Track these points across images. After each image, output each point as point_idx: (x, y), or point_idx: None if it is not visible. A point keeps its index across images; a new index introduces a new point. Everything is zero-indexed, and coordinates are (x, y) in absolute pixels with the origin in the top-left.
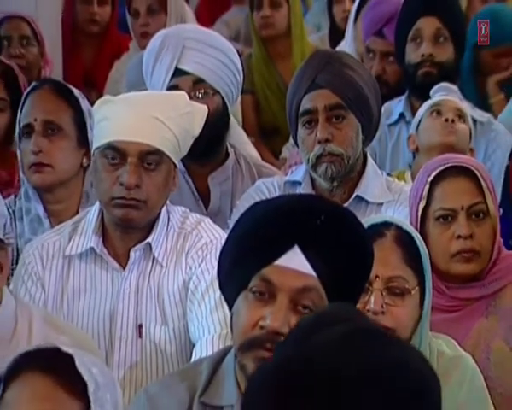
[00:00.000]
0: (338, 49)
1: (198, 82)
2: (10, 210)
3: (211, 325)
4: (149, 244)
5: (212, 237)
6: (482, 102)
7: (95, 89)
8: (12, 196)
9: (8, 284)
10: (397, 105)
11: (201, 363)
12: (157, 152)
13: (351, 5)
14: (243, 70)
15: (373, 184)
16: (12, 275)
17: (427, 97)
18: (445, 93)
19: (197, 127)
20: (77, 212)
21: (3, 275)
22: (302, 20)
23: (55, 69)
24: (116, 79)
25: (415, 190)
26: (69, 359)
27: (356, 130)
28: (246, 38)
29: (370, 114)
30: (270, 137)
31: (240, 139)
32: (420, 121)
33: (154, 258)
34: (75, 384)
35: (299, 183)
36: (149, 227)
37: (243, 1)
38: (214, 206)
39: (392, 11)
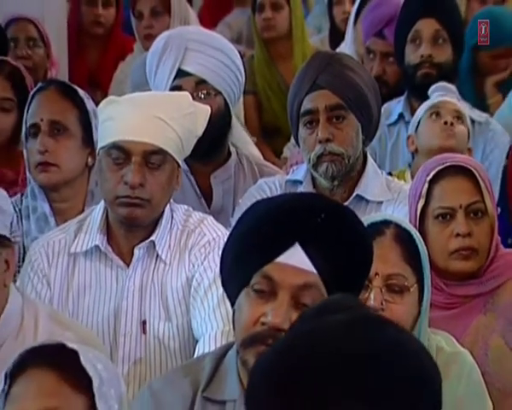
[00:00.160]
0: (338, 50)
1: (200, 83)
2: (17, 209)
3: (213, 322)
4: (153, 242)
5: (214, 234)
6: (480, 103)
7: (100, 89)
8: (18, 195)
9: (14, 281)
10: (396, 105)
11: (204, 359)
12: (161, 152)
13: (351, 7)
14: (245, 71)
15: (373, 183)
16: (18, 272)
17: (427, 98)
18: (443, 92)
19: (200, 127)
20: (82, 210)
21: (10, 272)
22: (303, 22)
23: (60, 70)
24: (120, 80)
25: (414, 189)
26: (74, 354)
27: (356, 130)
28: (248, 39)
29: (370, 114)
30: (272, 137)
31: (242, 139)
32: (419, 122)
33: (157, 256)
34: (80, 380)
35: (301, 182)
36: (153, 225)
37: (245, 3)
38: (217, 204)
39: (391, 13)
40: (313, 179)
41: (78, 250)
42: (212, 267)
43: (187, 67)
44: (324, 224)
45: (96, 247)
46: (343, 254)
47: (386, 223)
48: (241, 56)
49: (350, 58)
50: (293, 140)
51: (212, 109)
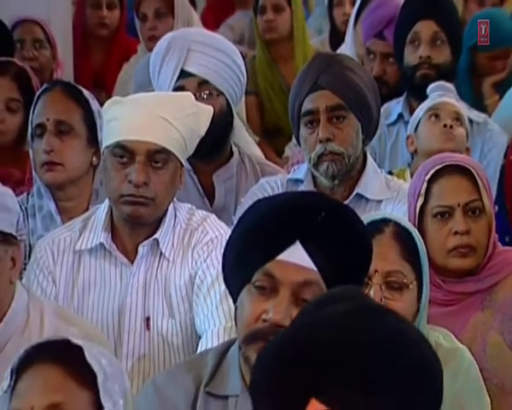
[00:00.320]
0: (338, 51)
1: (203, 83)
2: (23, 207)
3: (216, 318)
4: (157, 240)
5: (217, 232)
6: (478, 103)
7: (104, 90)
8: (25, 194)
9: (20, 278)
10: (396, 106)
11: (207, 354)
12: (164, 151)
13: (351, 9)
14: (247, 72)
15: (372, 182)
16: (24, 269)
17: (425, 98)
18: (441, 92)
19: (203, 127)
20: (87, 209)
21: (16, 269)
22: (304, 24)
23: (66, 71)
24: (125, 81)
25: (413, 187)
26: (79, 350)
27: (356, 130)
28: (250, 41)
29: (370, 114)
30: (274, 137)
31: (244, 139)
32: (418, 123)
33: (161, 253)
34: (85, 375)
35: (302, 181)
36: (157, 224)
37: (247, 5)
38: (219, 203)
39: (391, 14)
40: (314, 178)
41: (83, 248)
42: (214, 265)
43: (190, 68)
44: (325, 222)
45: (101, 244)
46: (343, 252)
47: (385, 221)
48: (243, 57)
49: (350, 59)
50: (294, 140)
51: (214, 109)
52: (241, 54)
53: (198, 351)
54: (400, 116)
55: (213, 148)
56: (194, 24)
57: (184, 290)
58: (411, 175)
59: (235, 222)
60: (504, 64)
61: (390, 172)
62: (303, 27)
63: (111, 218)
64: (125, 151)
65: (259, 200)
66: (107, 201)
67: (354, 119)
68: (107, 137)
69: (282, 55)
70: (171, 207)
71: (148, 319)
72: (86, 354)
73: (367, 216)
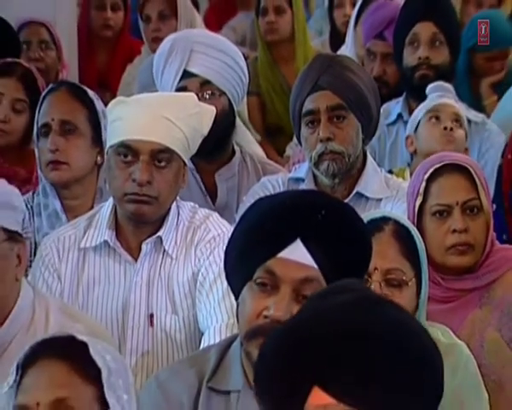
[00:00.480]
0: (339, 52)
1: (205, 84)
2: (29, 206)
3: (218, 315)
4: (160, 238)
5: (219, 230)
6: (476, 104)
7: (108, 90)
8: (30, 193)
9: (26, 276)
10: (395, 106)
11: (209, 350)
12: (168, 150)
13: (351, 10)
14: (249, 73)
15: (372, 180)
16: (30, 267)
17: (424, 98)
18: (441, 93)
19: (206, 127)
20: (92, 207)
21: (22, 267)
22: (305, 26)
23: (71, 72)
24: (129, 82)
25: (412, 186)
26: (84, 346)
27: (356, 129)
28: (251, 42)
29: (370, 114)
30: (275, 137)
31: (245, 138)
32: (418, 123)
33: (164, 251)
34: (89, 370)
35: (303, 179)
36: (160, 222)
37: (249, 7)
38: (221, 201)
39: (391, 15)
40: (315, 177)
41: (88, 245)
42: (217, 262)
43: (192, 69)
44: (325, 220)
45: (105, 242)
46: (343, 250)
47: (385, 219)
48: (245, 58)
49: (350, 60)
50: (295, 139)
51: (216, 109)
52: (243, 55)
53: (201, 347)
54: (399, 116)
55: (216, 147)
56: (197, 25)
57: (187, 287)
58: (411, 174)
59: (237, 220)
60: (502, 65)
61: (390, 171)
62: (304, 29)
63: (115, 216)
64: (128, 150)
65: (261, 198)
66: (111, 199)
67: (354, 119)
68: (112, 137)
69: (283, 56)
70: (174, 205)
71: (151, 315)
72: (91, 350)
73: (367, 214)
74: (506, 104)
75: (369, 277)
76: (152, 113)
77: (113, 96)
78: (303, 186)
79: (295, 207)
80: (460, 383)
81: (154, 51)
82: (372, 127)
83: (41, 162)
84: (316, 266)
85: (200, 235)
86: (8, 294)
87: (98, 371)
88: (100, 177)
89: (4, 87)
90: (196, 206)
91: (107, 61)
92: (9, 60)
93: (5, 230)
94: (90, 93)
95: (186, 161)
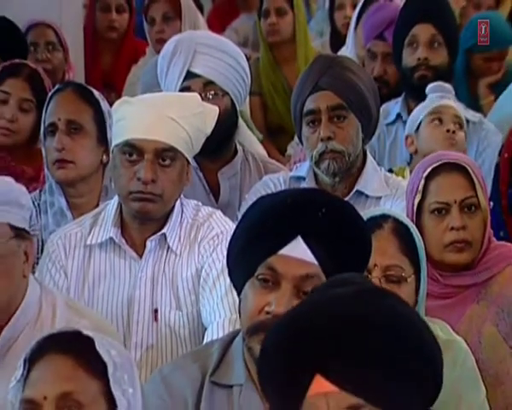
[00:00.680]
0: (339, 53)
1: (208, 84)
2: (35, 204)
3: (221, 310)
4: (164, 235)
5: (222, 228)
6: (474, 104)
7: (114, 91)
8: (37, 191)
9: (33, 272)
10: (394, 106)
11: (212, 345)
12: (172, 149)
13: (351, 12)
14: (251, 73)
15: (372, 179)
16: (37, 264)
17: (423, 99)
18: (441, 93)
19: (209, 126)
20: (97, 205)
21: (29, 263)
22: (306, 27)
23: (77, 73)
24: (133, 82)
25: (411, 184)
26: (89, 341)
27: (356, 129)
28: (253, 43)
29: (370, 114)
30: (277, 136)
31: (248, 138)
32: (419, 124)
33: (168, 247)
34: (95, 365)
35: (304, 178)
36: (164, 219)
37: (251, 9)
38: (224, 199)
39: (392, 16)
40: (315, 176)
41: (94, 242)
42: (220, 259)
43: (196, 69)
44: (325, 218)
45: (111, 239)
46: (343, 247)
47: (384, 217)
48: (247, 59)
49: (350, 61)
50: (296, 139)
51: (219, 109)
52: (246, 56)
53: (204, 342)
54: (398, 116)
55: (219, 146)
56: (201, 27)
57: (191, 283)
58: (411, 173)
59: (239, 218)
60: (500, 65)
61: (390, 170)
62: (305, 30)
63: (120, 213)
64: (133, 149)
65: (262, 196)
66: (116, 197)
67: (354, 118)
68: (117, 136)
69: (284, 57)
70: (178, 203)
71: (156, 310)
72: (96, 345)
73: (367, 212)
74: (503, 104)
75: (368, 273)
76: (156, 112)
77: (118, 96)
78: (304, 185)
79: (296, 205)
80: (458, 378)
81: (158, 52)
82: (372, 127)
83: (48, 161)
84: (316, 262)
85: (203, 232)
86: (16, 290)
87: (104, 365)
88: (105, 175)
89: (11, 87)
90: (200, 204)
91: (113, 62)
92: (17, 61)
93: (12, 227)
94: (96, 93)
95: (190, 159)
